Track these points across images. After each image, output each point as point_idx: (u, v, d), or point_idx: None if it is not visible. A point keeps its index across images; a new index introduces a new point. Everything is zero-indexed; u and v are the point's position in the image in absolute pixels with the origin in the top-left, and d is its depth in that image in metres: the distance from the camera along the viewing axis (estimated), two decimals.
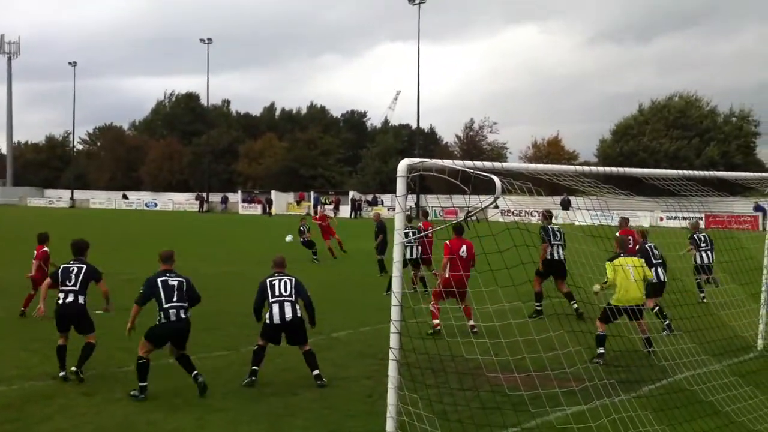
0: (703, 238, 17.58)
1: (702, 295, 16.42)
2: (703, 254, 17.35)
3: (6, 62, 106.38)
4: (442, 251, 13.59)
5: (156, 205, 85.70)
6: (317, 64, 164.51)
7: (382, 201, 71.49)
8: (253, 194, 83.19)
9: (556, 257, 15.12)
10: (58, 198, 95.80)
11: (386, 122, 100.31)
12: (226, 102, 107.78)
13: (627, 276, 11.11)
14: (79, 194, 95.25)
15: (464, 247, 13.15)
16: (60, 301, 10.22)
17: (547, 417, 8.36)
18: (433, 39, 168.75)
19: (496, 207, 6.44)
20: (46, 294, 10.71)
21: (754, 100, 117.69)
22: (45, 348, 11.34)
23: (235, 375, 10.51)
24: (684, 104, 69.27)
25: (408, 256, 16.34)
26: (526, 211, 45.68)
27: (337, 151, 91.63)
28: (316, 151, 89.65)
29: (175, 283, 9.59)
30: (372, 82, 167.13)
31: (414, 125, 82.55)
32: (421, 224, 19.52)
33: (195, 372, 9.62)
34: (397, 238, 6.88)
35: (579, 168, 8.21)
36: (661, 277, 13.77)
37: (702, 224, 26.94)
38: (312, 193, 77.92)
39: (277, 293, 10.06)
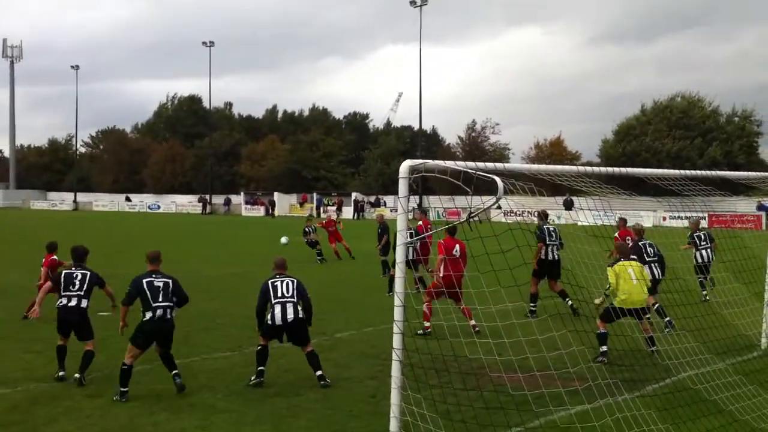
0: (703, 237, 17.57)
1: (704, 292, 16.40)
2: (703, 252, 17.34)
3: (9, 66, 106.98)
4: (436, 251, 13.63)
5: (159, 207, 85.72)
6: (319, 67, 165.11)
7: (384, 202, 71.45)
8: (255, 196, 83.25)
9: (551, 257, 15.16)
10: (61, 201, 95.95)
11: (388, 124, 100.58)
12: (229, 104, 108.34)
13: (629, 279, 11.12)
14: (82, 197, 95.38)
15: (457, 247, 13.20)
16: (62, 305, 10.24)
17: (551, 416, 8.35)
18: (434, 41, 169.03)
19: (499, 208, 6.46)
20: (44, 297, 10.78)
21: (754, 101, 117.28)
22: (48, 350, 11.36)
23: (238, 376, 10.53)
24: (686, 104, 69.12)
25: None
26: (528, 212, 45.69)
27: (340, 153, 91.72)
28: (318, 152, 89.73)
29: (161, 283, 9.66)
30: (374, 84, 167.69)
31: (416, 126, 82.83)
32: (420, 222, 19.48)
33: (175, 371, 9.73)
34: (400, 239, 6.88)
35: (581, 168, 8.20)
36: (656, 274, 13.84)
37: (705, 223, 26.94)
38: (315, 194, 77.97)
39: (279, 294, 10.09)
